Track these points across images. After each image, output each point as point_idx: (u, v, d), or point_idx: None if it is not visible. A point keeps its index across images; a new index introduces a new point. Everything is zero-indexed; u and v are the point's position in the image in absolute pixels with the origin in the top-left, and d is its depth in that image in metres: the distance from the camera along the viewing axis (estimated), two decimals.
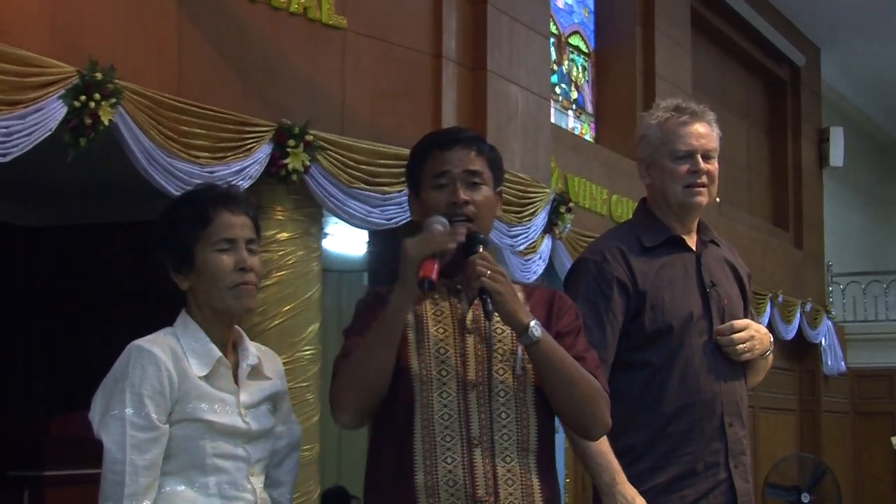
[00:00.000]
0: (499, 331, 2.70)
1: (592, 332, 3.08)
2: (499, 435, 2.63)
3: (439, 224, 2.65)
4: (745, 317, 3.38)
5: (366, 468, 2.80)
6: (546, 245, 8.04)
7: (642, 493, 3.10)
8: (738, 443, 3.25)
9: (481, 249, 2.65)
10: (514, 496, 2.63)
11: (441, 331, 2.68)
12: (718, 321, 3.28)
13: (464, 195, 2.71)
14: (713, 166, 3.32)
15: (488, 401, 2.65)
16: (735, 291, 3.40)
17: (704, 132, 3.32)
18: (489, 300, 2.59)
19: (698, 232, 3.40)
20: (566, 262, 8.43)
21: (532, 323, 2.61)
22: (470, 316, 2.71)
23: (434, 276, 2.54)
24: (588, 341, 2.94)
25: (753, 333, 3.30)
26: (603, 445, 3.06)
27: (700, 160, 3.29)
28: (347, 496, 9.20)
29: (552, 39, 9.22)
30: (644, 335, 3.21)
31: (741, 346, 3.27)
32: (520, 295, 2.75)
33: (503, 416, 2.65)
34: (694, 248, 3.36)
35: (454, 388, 2.65)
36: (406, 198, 3.01)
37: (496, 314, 2.61)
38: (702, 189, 3.30)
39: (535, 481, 2.67)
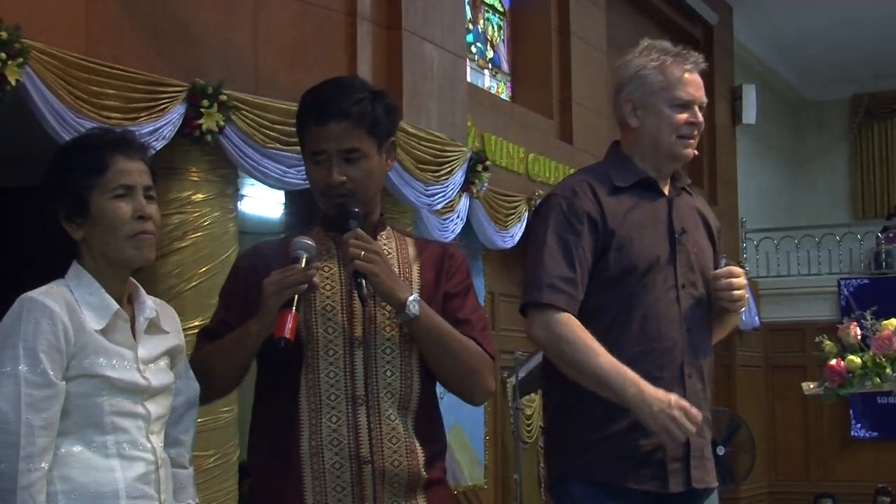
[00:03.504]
0: None
1: (563, 269, 3.00)
2: (383, 393, 2.61)
3: (302, 251, 2.58)
4: (716, 269, 3.25)
5: (250, 426, 2.76)
6: (463, 204, 8.06)
7: (598, 441, 3.02)
8: (695, 395, 3.09)
9: (353, 226, 2.61)
10: (399, 454, 2.62)
11: (328, 287, 2.64)
12: (686, 269, 3.14)
13: (338, 175, 2.64)
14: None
15: (374, 359, 2.62)
16: (705, 242, 3.26)
17: (702, 84, 3.20)
18: (363, 283, 2.56)
19: (672, 179, 3.26)
20: (483, 221, 8.46)
21: (410, 299, 2.58)
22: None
23: (289, 334, 2.50)
24: (558, 276, 2.93)
25: (745, 282, 3.20)
26: (610, 360, 2.93)
27: (698, 112, 3.18)
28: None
29: None
30: (607, 276, 3.07)
31: (737, 292, 3.15)
32: (411, 250, 2.74)
33: (388, 373, 2.62)
34: (666, 193, 3.22)
35: (340, 345, 2.62)
36: None
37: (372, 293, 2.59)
38: (692, 141, 3.19)
39: (416, 441, 2.65)
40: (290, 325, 2.51)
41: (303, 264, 2.56)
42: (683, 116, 3.15)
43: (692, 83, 3.16)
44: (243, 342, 2.60)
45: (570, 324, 2.98)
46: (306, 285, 2.54)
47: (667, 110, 3.14)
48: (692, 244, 3.18)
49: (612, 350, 3.00)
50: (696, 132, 3.18)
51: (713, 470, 3.19)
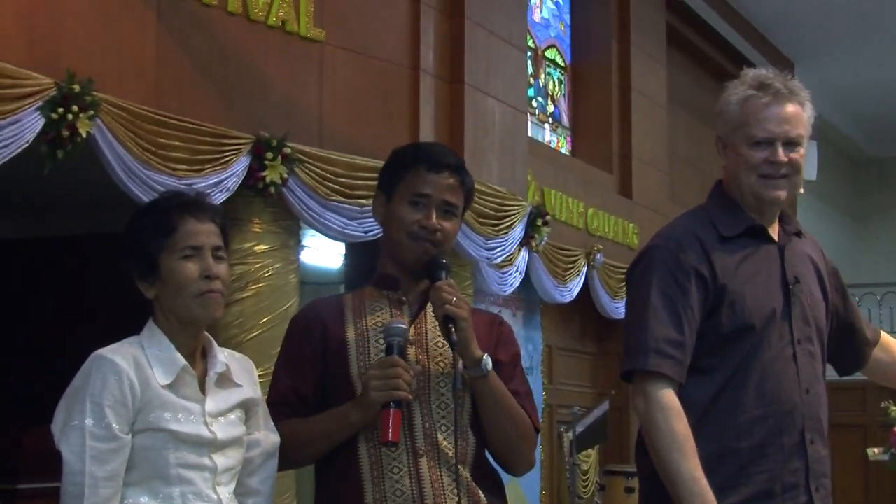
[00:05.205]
0: (439, 343, 2.71)
1: (670, 332, 2.76)
2: (443, 446, 2.65)
3: (396, 337, 2.62)
4: (827, 319, 2.99)
5: (315, 483, 2.81)
6: (523, 258, 8.07)
7: None
8: (819, 462, 2.85)
9: (444, 276, 2.68)
10: (463, 501, 2.64)
11: (381, 343, 2.68)
12: (801, 323, 2.88)
13: (437, 222, 2.72)
14: (797, 154, 2.89)
15: (430, 413, 2.67)
16: (818, 292, 2.98)
17: (790, 116, 2.89)
18: (452, 329, 2.60)
19: (781, 222, 2.99)
20: (542, 275, 8.47)
21: (485, 357, 2.64)
22: (412, 330, 2.72)
23: (397, 438, 2.57)
24: (665, 339, 2.75)
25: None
26: (697, 470, 2.67)
27: (780, 149, 2.86)
28: None
29: (529, 53, 9.26)
30: (720, 335, 2.81)
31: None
32: None
33: (443, 428, 2.66)
34: (777, 240, 2.95)
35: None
36: None
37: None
38: (780, 181, 2.88)
39: (479, 489, 2.69)
40: (396, 428, 2.57)
41: (395, 352, 2.61)
42: (761, 155, 2.87)
43: (772, 118, 2.88)
44: (341, 430, 2.66)
45: (669, 410, 2.72)
46: (411, 397, 2.60)
47: (744, 149, 2.90)
48: (806, 295, 2.92)
49: (727, 413, 2.79)
50: (782, 171, 2.87)
51: None
